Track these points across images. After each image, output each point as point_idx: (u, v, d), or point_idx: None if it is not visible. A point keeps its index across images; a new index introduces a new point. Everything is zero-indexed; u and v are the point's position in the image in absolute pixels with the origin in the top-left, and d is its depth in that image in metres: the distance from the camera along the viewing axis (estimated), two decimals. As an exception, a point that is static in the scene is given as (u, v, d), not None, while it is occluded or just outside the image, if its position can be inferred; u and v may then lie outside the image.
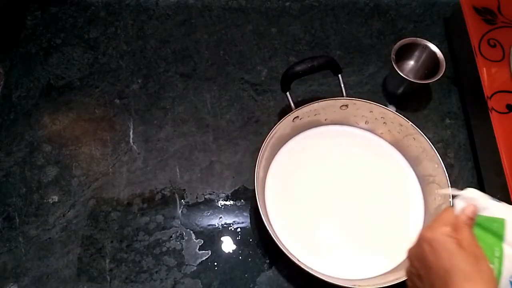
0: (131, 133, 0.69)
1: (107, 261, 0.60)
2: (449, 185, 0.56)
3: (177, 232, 0.62)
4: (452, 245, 0.36)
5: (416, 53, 0.71)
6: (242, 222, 0.63)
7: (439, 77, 0.66)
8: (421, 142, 0.61)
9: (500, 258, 0.38)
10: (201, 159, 0.67)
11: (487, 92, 0.64)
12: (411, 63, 0.73)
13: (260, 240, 0.62)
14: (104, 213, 0.63)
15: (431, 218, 0.60)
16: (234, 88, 0.73)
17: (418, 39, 0.69)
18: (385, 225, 0.60)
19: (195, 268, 0.60)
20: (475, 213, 0.40)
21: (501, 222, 0.40)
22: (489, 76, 0.65)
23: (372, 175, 0.63)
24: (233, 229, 0.63)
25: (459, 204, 0.41)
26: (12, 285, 0.58)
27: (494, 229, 0.39)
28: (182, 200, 0.64)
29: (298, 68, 0.62)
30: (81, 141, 0.68)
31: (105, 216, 0.63)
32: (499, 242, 0.39)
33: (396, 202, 0.62)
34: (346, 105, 0.64)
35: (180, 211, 0.63)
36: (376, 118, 0.65)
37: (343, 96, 0.64)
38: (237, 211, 0.64)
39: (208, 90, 0.73)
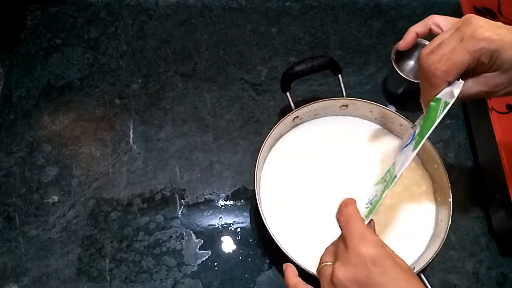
0: (131, 133, 0.69)
1: (107, 261, 0.60)
2: (449, 185, 0.56)
3: (177, 232, 0.62)
4: (396, 262, 0.36)
5: (416, 53, 0.71)
6: (242, 222, 0.63)
7: (439, 77, 0.66)
8: (421, 142, 0.61)
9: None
10: (201, 159, 0.67)
11: (487, 92, 0.64)
12: (411, 63, 0.73)
13: (260, 240, 0.62)
14: (104, 213, 0.63)
15: (432, 219, 0.60)
16: (234, 88, 0.73)
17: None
18: (386, 226, 0.60)
19: (195, 268, 0.60)
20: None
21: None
22: (489, 76, 0.65)
23: (372, 173, 0.63)
24: (233, 229, 0.63)
25: None
26: (12, 285, 0.58)
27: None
28: (182, 200, 0.64)
29: (298, 68, 0.62)
30: (81, 141, 0.68)
31: (105, 216, 0.63)
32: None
33: (397, 201, 0.62)
34: (346, 105, 0.64)
35: (180, 211, 0.63)
36: (376, 118, 0.65)
37: (343, 96, 0.64)
38: (237, 211, 0.64)
39: (208, 90, 0.73)
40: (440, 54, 0.40)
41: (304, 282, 0.42)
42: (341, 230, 0.39)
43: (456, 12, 0.74)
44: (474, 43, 0.38)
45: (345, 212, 0.40)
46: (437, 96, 0.43)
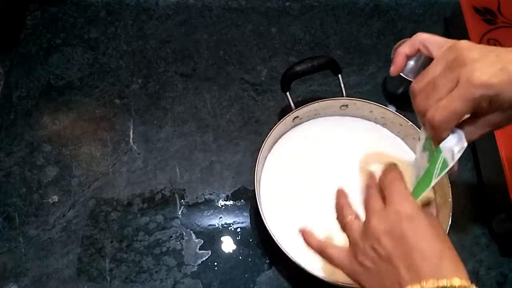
0: (131, 133, 0.69)
1: (107, 261, 0.60)
2: (449, 185, 0.56)
3: (177, 232, 0.62)
4: (431, 225, 0.37)
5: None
6: (242, 222, 0.63)
7: (439, 77, 0.66)
8: (421, 142, 0.61)
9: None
10: (201, 159, 0.67)
11: (487, 92, 0.64)
12: (411, 63, 0.73)
13: (260, 240, 0.62)
14: (104, 213, 0.63)
15: (433, 220, 0.60)
16: (234, 88, 0.73)
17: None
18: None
19: (195, 268, 0.60)
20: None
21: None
22: (489, 76, 0.65)
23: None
24: (233, 229, 0.63)
25: None
26: (12, 285, 0.58)
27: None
28: (182, 200, 0.64)
29: (298, 68, 0.62)
30: (81, 141, 0.68)
31: (105, 216, 0.63)
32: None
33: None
34: (346, 105, 0.64)
35: (180, 211, 0.63)
36: (376, 118, 0.65)
37: (343, 96, 0.64)
38: (237, 211, 0.64)
39: (208, 90, 0.73)
40: (436, 98, 0.38)
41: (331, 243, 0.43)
42: (384, 189, 0.41)
43: (456, 12, 0.74)
44: (472, 91, 0.35)
45: (389, 174, 0.42)
46: (440, 145, 0.40)
